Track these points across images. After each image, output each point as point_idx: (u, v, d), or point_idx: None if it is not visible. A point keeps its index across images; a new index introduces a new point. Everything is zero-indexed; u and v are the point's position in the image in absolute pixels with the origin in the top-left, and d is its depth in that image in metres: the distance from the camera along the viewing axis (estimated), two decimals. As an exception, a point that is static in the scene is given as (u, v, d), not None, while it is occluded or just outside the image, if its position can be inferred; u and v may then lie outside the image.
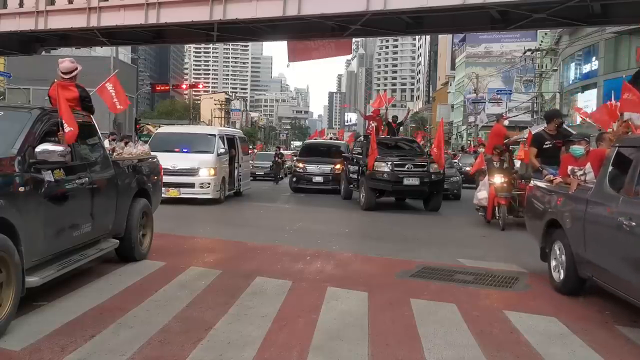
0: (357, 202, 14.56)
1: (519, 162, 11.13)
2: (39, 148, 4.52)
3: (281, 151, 26.78)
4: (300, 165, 18.98)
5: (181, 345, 3.88)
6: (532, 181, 7.11)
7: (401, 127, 18.43)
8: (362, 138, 17.28)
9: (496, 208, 10.66)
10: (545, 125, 9.12)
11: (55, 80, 5.66)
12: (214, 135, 14.42)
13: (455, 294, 5.55)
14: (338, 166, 18.16)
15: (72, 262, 5.03)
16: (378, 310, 4.90)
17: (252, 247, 7.92)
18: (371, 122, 16.20)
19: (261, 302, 5.02)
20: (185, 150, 13.85)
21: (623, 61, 27.93)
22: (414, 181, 13.16)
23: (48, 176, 4.63)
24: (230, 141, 15.26)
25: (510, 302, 5.41)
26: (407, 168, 13.27)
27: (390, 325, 4.51)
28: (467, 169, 19.40)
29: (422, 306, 5.08)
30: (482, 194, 11.09)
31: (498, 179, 10.73)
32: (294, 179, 19.04)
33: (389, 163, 13.23)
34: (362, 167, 14.09)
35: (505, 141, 11.50)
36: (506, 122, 12.78)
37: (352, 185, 15.60)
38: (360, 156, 14.94)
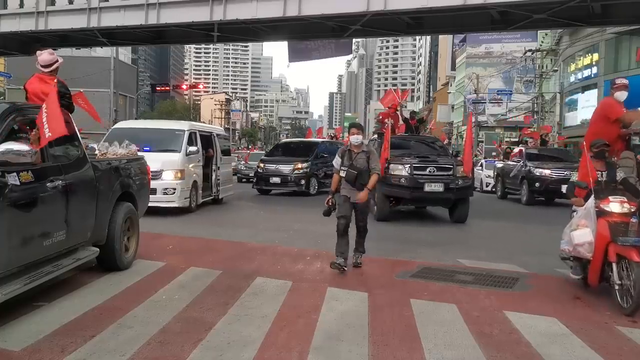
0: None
1: None
2: (1, 148, 4.09)
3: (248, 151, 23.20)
4: (261, 165, 17.76)
5: (181, 346, 3.88)
6: None
7: (421, 124, 15.60)
8: (375, 137, 15.09)
9: (613, 265, 5.20)
10: None
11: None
12: (183, 130, 12.19)
13: (456, 295, 5.55)
14: (299, 165, 16.95)
15: (43, 274, 4.55)
16: (378, 311, 4.90)
17: (251, 247, 7.91)
18: (386, 119, 14.05)
19: (261, 302, 5.02)
20: (147, 148, 10.91)
21: (623, 61, 27.96)
22: (438, 187, 11.08)
23: (13, 179, 4.14)
24: (207, 139, 13.19)
25: (510, 302, 5.40)
26: (429, 172, 11.23)
27: (391, 326, 4.51)
28: (547, 172, 15.01)
29: (422, 306, 5.07)
30: (581, 235, 5.60)
31: (616, 207, 5.42)
32: (255, 180, 18.04)
33: (408, 166, 11.21)
34: None
35: (623, 130, 6.66)
36: (620, 95, 6.71)
37: None
38: None
